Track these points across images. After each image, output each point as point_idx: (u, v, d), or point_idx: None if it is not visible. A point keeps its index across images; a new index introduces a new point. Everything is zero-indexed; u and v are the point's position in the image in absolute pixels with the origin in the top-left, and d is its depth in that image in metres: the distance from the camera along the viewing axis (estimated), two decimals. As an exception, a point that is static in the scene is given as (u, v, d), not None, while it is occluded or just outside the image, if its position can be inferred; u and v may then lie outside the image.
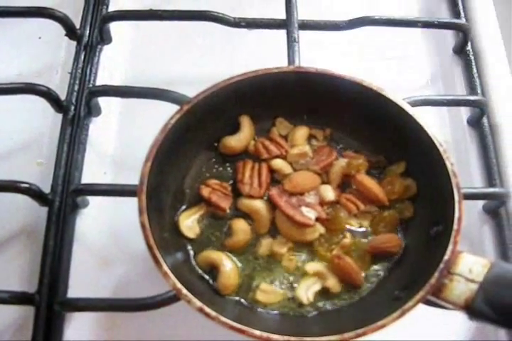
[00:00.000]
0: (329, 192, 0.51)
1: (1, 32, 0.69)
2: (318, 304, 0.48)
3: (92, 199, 0.58)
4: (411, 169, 0.53)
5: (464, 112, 0.65)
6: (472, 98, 0.63)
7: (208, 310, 0.41)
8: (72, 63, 0.63)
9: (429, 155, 0.48)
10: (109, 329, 0.53)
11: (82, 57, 0.64)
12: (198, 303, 0.41)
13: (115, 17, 0.65)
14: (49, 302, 0.51)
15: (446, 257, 0.43)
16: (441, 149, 0.47)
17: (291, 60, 0.61)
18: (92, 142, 0.61)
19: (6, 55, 0.68)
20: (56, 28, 0.64)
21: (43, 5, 0.63)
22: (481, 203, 0.60)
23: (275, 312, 0.48)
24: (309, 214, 0.49)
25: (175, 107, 0.50)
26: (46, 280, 0.52)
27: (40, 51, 0.68)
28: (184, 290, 0.42)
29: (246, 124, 0.54)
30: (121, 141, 0.63)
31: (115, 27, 0.67)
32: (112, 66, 0.67)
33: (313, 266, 0.49)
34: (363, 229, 0.52)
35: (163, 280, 0.42)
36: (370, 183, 0.52)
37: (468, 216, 0.58)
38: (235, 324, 0.41)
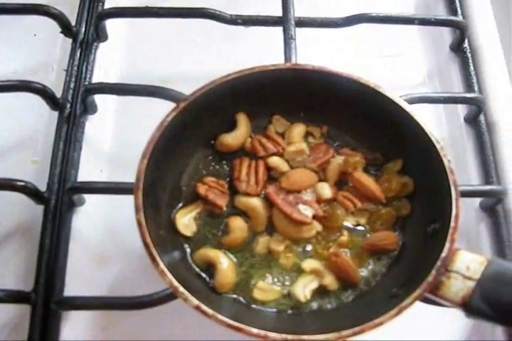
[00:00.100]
0: (326, 190, 0.51)
1: (-5, 29, 0.68)
2: (316, 302, 0.48)
3: (88, 197, 0.58)
4: (408, 166, 0.53)
5: (461, 110, 0.65)
6: (469, 95, 0.63)
7: (204, 308, 0.41)
8: (68, 60, 0.63)
9: (426, 152, 0.48)
10: (106, 327, 0.53)
11: (78, 54, 0.63)
12: (195, 301, 0.41)
13: (111, 14, 0.65)
14: (45, 300, 0.51)
15: (443, 254, 0.43)
16: (438, 146, 0.47)
17: (287, 57, 0.60)
18: (88, 140, 0.60)
19: (1, 52, 0.67)
20: (51, 25, 0.63)
21: (38, 2, 0.63)
22: (477, 200, 0.60)
23: (272, 310, 0.48)
24: (306, 211, 0.49)
25: (171, 105, 0.49)
26: (42, 278, 0.52)
27: (36, 48, 0.68)
28: (181, 288, 0.42)
29: (243, 122, 0.54)
30: (118, 139, 0.62)
31: (111, 24, 0.67)
32: (108, 63, 0.66)
33: (310, 264, 0.49)
34: (360, 227, 0.52)
35: (159, 278, 0.42)
36: (367, 181, 0.51)
37: (465, 213, 0.57)
38: (232, 322, 0.41)
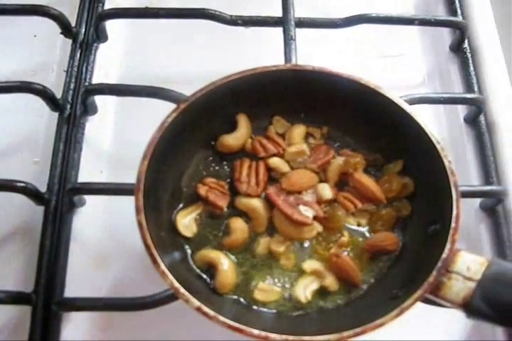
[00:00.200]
0: (327, 191, 0.51)
1: (-5, 30, 0.68)
2: (317, 303, 0.48)
3: (88, 198, 0.58)
4: (408, 167, 0.53)
5: (461, 110, 0.65)
6: (469, 96, 0.63)
7: (206, 309, 0.41)
8: (68, 61, 0.63)
9: (426, 153, 0.48)
10: (107, 328, 0.53)
11: (78, 55, 0.63)
12: (197, 303, 0.41)
13: (111, 15, 0.65)
14: (46, 302, 0.51)
15: (444, 255, 0.43)
16: (438, 147, 0.47)
17: (287, 57, 0.61)
18: (88, 141, 0.60)
19: (1, 53, 0.67)
20: (51, 26, 0.63)
21: (38, 3, 0.63)
22: (478, 201, 0.60)
23: (273, 310, 0.48)
24: (307, 212, 0.49)
25: (171, 105, 0.49)
26: (43, 279, 0.52)
27: (36, 49, 0.68)
28: (182, 290, 0.42)
29: (243, 122, 0.54)
30: (118, 140, 0.62)
31: (111, 25, 0.67)
32: (108, 64, 0.66)
33: (311, 265, 0.49)
34: (360, 228, 0.52)
35: (160, 279, 0.42)
36: (368, 181, 0.51)
37: (465, 214, 0.57)
38: (233, 323, 0.41)
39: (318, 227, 0.50)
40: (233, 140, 0.53)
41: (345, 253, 0.50)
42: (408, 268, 0.48)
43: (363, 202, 0.52)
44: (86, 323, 0.53)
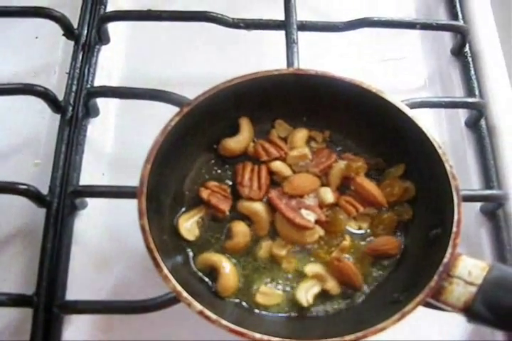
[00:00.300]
0: (329, 195, 0.51)
1: (-3, 32, 0.68)
2: (318, 306, 0.48)
3: (90, 201, 0.58)
4: (410, 171, 0.53)
5: (462, 114, 0.66)
6: (470, 100, 0.63)
7: (208, 313, 0.41)
8: (70, 63, 0.63)
9: (428, 157, 0.48)
10: (108, 331, 0.53)
11: (80, 57, 0.63)
12: (199, 306, 0.41)
13: (113, 17, 0.65)
14: (47, 304, 0.51)
15: (445, 260, 0.43)
16: (440, 151, 0.47)
17: (289, 61, 0.61)
18: (90, 143, 0.60)
19: (3, 55, 0.67)
20: (53, 28, 0.63)
21: (40, 4, 0.63)
22: (478, 205, 0.61)
23: (275, 314, 0.48)
24: (309, 216, 0.49)
25: (173, 108, 0.50)
26: (44, 282, 0.52)
27: (38, 51, 0.67)
28: (184, 293, 0.42)
29: (245, 126, 0.54)
30: (120, 142, 0.62)
31: (113, 27, 0.67)
32: (110, 66, 0.66)
33: (312, 268, 0.49)
34: (362, 232, 0.52)
35: (161, 282, 0.42)
36: (369, 185, 0.52)
37: (466, 218, 0.57)
38: (235, 327, 0.41)
39: (320, 231, 0.50)
40: (235, 143, 0.53)
41: (347, 257, 0.50)
42: (409, 273, 0.48)
43: (364, 206, 0.52)
44: (87, 325, 0.53)
